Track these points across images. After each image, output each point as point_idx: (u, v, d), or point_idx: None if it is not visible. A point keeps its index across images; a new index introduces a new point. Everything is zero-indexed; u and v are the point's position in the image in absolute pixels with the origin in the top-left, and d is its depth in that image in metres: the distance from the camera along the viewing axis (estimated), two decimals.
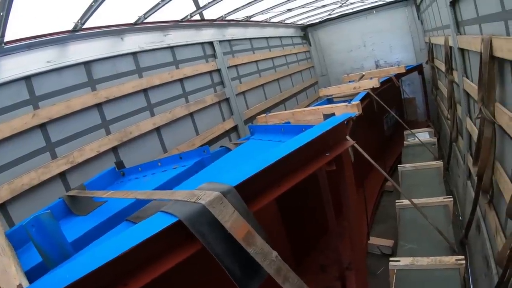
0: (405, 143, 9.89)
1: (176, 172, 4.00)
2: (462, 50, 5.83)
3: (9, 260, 2.22)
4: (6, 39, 4.71)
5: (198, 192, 2.07)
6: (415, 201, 5.80)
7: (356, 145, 4.65)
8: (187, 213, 1.88)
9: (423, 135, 9.73)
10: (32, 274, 2.38)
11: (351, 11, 13.95)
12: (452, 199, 6.10)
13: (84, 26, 5.60)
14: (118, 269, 1.66)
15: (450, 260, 4.61)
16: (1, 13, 4.00)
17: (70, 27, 5.50)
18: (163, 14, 6.74)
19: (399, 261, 4.89)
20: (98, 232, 3.05)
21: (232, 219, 1.95)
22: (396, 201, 6.50)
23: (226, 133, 8.75)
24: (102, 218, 3.34)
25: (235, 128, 9.09)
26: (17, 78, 4.97)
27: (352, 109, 6.02)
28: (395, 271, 4.83)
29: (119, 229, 2.79)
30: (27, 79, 5.09)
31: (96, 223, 3.27)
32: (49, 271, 2.37)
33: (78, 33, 5.67)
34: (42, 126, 5.15)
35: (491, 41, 3.69)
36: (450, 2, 5.77)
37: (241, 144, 4.77)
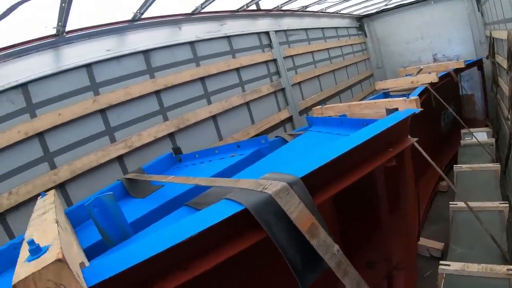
0: (462, 142, 9.29)
1: (234, 161, 3.95)
2: None
3: (72, 238, 2.24)
4: (67, 28, 4.87)
5: (263, 181, 2.03)
6: (470, 204, 5.47)
7: (415, 143, 4.40)
8: (253, 202, 1.85)
9: (481, 135, 9.13)
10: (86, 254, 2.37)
11: (408, 1, 13.23)
12: (508, 205, 5.68)
13: (143, 16, 5.68)
14: (181, 253, 1.66)
15: (502, 269, 4.30)
16: (63, 4, 4.10)
17: (129, 17, 5.60)
18: (220, 4, 6.76)
19: (449, 265, 4.62)
20: (156, 215, 3.05)
21: (297, 211, 1.90)
22: (450, 202, 6.13)
23: (281, 124, 8.61)
24: (160, 202, 3.34)
25: (290, 119, 8.91)
26: (78, 66, 5.15)
27: (410, 104, 5.72)
28: (444, 275, 4.57)
29: (179, 213, 2.79)
30: (88, 66, 5.26)
31: (153, 207, 3.27)
32: (104, 251, 2.44)
33: (136, 22, 5.78)
34: (102, 111, 5.31)
35: None
36: None
37: (299, 135, 4.64)
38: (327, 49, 11.54)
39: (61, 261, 1.24)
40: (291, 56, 9.47)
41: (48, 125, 4.78)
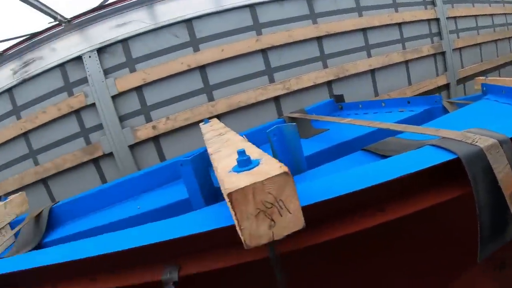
0: None
1: (403, 116, 3.58)
2: None
3: None
4: None
5: (470, 134, 1.71)
6: None
7: None
8: (465, 152, 1.55)
9: None
10: None
11: None
12: None
13: None
14: (384, 193, 1.51)
15: None
16: None
17: None
18: None
19: None
20: (323, 157, 2.89)
21: (504, 172, 1.58)
22: None
23: (437, 90, 7.71)
24: (328, 144, 3.15)
25: (446, 87, 7.96)
26: (241, 6, 5.29)
27: None
28: None
29: (356, 157, 2.53)
30: (251, 7, 5.37)
31: (321, 148, 3.10)
32: None
33: None
34: (264, 51, 5.38)
35: None
36: None
37: (474, 103, 4.02)
38: (491, 15, 10.13)
39: (287, 175, 1.09)
40: (454, 18, 8.42)
41: (210, 59, 5.05)
